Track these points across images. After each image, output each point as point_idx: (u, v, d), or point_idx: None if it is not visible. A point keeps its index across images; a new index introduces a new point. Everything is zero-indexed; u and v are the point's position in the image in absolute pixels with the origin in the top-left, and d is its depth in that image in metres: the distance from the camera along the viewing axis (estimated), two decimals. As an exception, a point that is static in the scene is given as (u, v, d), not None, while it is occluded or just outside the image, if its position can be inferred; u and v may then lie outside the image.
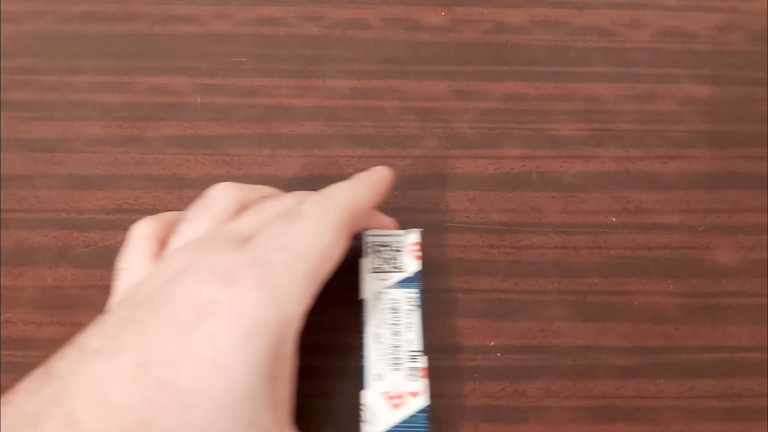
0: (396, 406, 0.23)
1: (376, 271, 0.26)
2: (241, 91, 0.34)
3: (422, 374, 0.23)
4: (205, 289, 0.20)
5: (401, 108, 0.34)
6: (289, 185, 0.31)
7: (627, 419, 0.26)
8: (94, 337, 0.19)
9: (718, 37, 0.36)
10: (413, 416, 0.23)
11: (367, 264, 0.26)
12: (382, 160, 0.32)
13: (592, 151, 0.32)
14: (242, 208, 0.24)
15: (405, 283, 0.25)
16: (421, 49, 0.36)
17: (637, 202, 0.31)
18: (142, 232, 0.24)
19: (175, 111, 0.33)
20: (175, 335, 0.19)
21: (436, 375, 0.27)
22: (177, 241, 0.23)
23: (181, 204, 0.31)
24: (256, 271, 0.20)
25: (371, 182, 0.25)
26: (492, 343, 0.28)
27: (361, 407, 0.23)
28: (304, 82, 0.34)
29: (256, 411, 0.19)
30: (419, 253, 0.26)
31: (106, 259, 0.30)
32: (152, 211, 0.31)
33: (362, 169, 0.32)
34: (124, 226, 0.30)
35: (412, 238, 0.26)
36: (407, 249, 0.26)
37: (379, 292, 0.25)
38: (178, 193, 0.31)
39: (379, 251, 0.26)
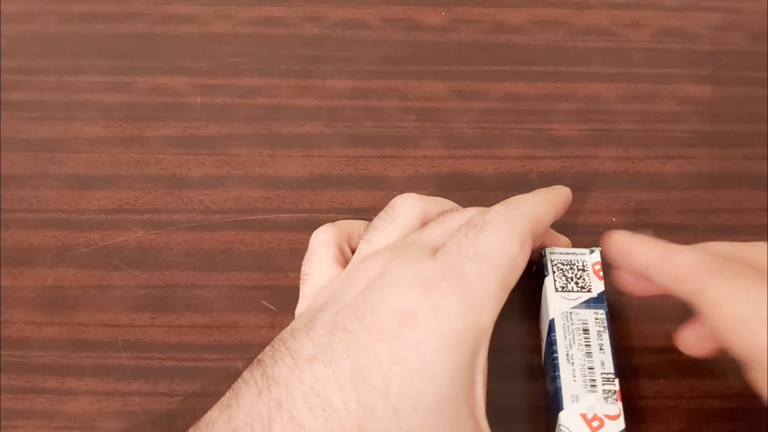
0: (595, 429, 0.23)
1: (562, 290, 0.26)
2: (241, 91, 0.34)
3: (617, 397, 0.23)
4: (405, 298, 0.20)
5: (401, 108, 0.34)
6: (288, 185, 0.31)
7: (627, 419, 0.26)
8: (304, 343, 0.20)
9: (718, 37, 0.36)
10: None
11: (551, 283, 0.26)
12: (382, 160, 0.32)
13: (592, 151, 0.33)
14: (425, 221, 0.24)
15: (592, 303, 0.25)
16: (421, 49, 0.36)
17: (637, 202, 0.31)
18: (324, 238, 0.25)
19: (175, 111, 0.33)
20: (382, 343, 0.20)
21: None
22: (366, 249, 0.24)
23: (181, 204, 0.31)
24: (452, 280, 0.20)
25: (553, 197, 0.25)
26: (495, 343, 0.28)
27: (561, 428, 0.23)
28: (304, 82, 0.34)
29: (460, 416, 0.20)
30: (602, 273, 0.26)
31: (106, 259, 0.30)
32: (152, 211, 0.31)
33: (362, 170, 0.32)
34: (124, 227, 0.30)
35: (595, 257, 0.26)
36: (591, 268, 0.26)
37: (568, 312, 0.25)
38: (177, 193, 0.31)
39: (563, 270, 0.26)
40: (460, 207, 0.26)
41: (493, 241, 0.22)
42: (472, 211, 0.24)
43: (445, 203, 0.26)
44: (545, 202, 0.25)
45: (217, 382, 0.27)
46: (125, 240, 0.30)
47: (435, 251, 0.22)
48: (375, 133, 0.33)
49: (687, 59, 0.35)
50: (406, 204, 0.25)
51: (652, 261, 0.23)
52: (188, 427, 0.20)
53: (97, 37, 0.36)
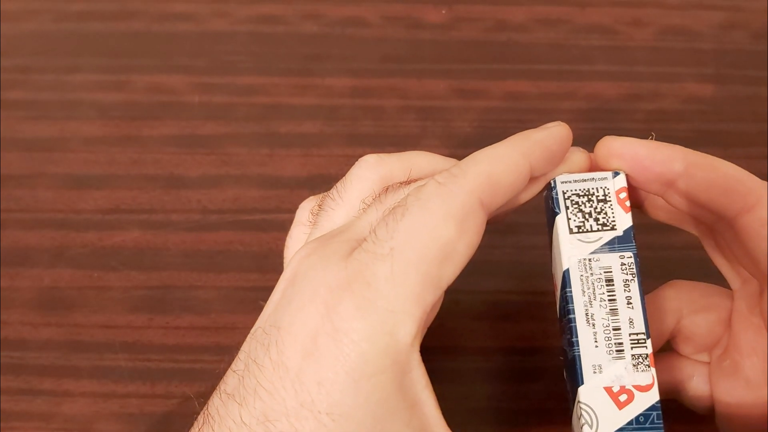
0: (623, 404, 0.19)
1: (579, 230, 0.20)
2: (240, 89, 0.34)
3: (650, 362, 0.19)
4: (307, 320, 0.17)
5: (401, 107, 0.33)
6: (287, 185, 0.31)
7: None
8: (230, 374, 0.18)
9: (721, 35, 0.36)
10: (644, 415, 0.19)
11: (564, 222, 0.21)
12: (382, 160, 0.32)
13: (594, 150, 0.32)
14: (384, 192, 0.20)
15: (617, 244, 0.20)
16: (421, 48, 0.35)
17: (640, 202, 0.31)
18: (299, 219, 0.22)
19: (173, 110, 0.33)
20: (287, 382, 0.17)
21: (437, 377, 0.27)
22: (312, 234, 0.21)
23: (179, 204, 0.31)
24: (356, 292, 0.17)
25: (526, 146, 0.20)
26: (494, 345, 0.28)
27: (580, 406, 0.19)
28: (303, 81, 0.34)
29: None
30: (629, 203, 0.21)
31: (103, 259, 0.29)
32: (149, 211, 0.31)
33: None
34: (121, 227, 0.30)
35: (620, 181, 0.21)
36: (615, 197, 0.21)
37: (586, 259, 0.20)
38: (175, 192, 0.31)
39: (578, 204, 0.21)
40: (441, 162, 0.21)
41: (416, 227, 0.18)
42: (419, 183, 0.20)
43: (415, 161, 0.21)
44: (510, 156, 0.19)
45: (214, 384, 0.27)
46: (122, 240, 0.30)
47: (358, 244, 0.18)
48: (375, 132, 0.33)
49: (690, 58, 0.35)
50: (363, 174, 0.21)
51: (692, 167, 0.20)
52: (186, 430, 0.20)
53: (95, 36, 0.35)
